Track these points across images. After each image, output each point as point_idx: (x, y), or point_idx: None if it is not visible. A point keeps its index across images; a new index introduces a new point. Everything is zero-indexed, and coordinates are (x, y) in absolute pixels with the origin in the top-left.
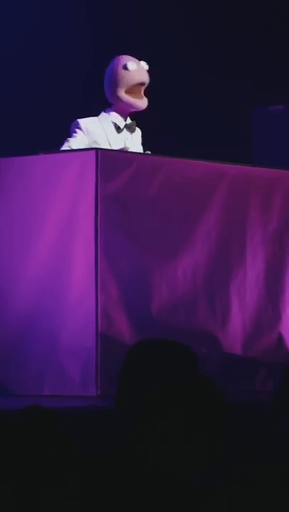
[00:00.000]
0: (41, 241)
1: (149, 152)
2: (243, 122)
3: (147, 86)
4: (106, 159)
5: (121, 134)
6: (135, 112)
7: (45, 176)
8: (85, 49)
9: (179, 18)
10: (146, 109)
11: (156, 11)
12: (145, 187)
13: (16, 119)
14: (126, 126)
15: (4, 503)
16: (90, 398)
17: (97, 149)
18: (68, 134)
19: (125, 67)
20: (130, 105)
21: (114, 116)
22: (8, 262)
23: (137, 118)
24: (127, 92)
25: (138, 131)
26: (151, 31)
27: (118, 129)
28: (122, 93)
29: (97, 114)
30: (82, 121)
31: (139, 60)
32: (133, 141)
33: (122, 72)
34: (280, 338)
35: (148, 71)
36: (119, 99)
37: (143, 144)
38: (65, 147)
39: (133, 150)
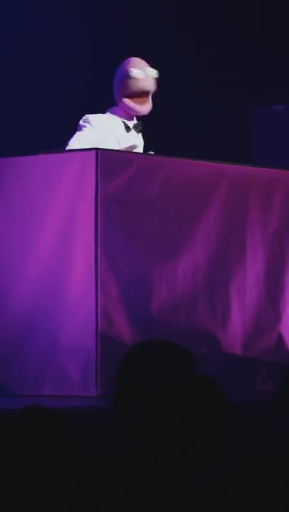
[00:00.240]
0: (41, 241)
1: (152, 152)
2: (243, 122)
3: None
4: (106, 159)
5: (129, 133)
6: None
7: (45, 175)
8: (85, 49)
9: (179, 18)
10: None
11: (157, 11)
12: (145, 187)
13: (16, 119)
14: (134, 125)
15: (4, 502)
16: (90, 398)
17: (97, 149)
18: (75, 128)
19: (130, 74)
20: (132, 109)
21: (123, 116)
22: (8, 262)
23: (138, 118)
24: (131, 96)
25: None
26: (151, 31)
27: (127, 128)
28: (124, 97)
29: (99, 113)
30: (91, 117)
31: (150, 65)
32: (140, 141)
33: (127, 77)
34: (280, 338)
35: (157, 78)
36: (122, 102)
37: (144, 145)
38: (73, 141)
39: (140, 149)
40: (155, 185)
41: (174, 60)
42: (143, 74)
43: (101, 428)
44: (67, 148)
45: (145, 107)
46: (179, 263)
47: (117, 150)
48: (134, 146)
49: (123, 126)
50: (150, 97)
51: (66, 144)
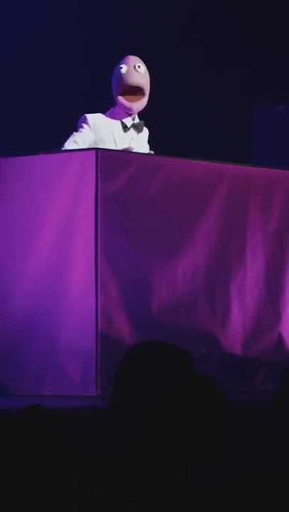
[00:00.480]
0: (41, 241)
1: (152, 152)
2: (243, 122)
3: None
4: (106, 159)
5: (127, 133)
6: (141, 112)
7: (45, 175)
8: (85, 49)
9: (179, 18)
10: (146, 109)
11: (157, 11)
12: (145, 187)
13: (16, 119)
14: (133, 125)
15: (5, 502)
16: (90, 398)
17: (97, 149)
18: (74, 128)
19: (120, 70)
20: (124, 106)
21: (122, 115)
22: (8, 262)
23: (140, 117)
24: (123, 93)
25: (145, 131)
26: (151, 31)
27: (125, 128)
28: (118, 95)
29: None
30: (89, 117)
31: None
32: (139, 141)
33: (118, 74)
34: (280, 338)
35: (148, 72)
36: (117, 99)
37: (150, 144)
38: (70, 141)
39: (138, 150)
40: (155, 185)
41: (174, 60)
42: (130, 69)
43: (101, 428)
44: (64, 147)
45: (136, 104)
46: (179, 263)
47: (117, 150)
48: (129, 149)
49: (120, 126)
50: (145, 95)
51: (63, 143)
